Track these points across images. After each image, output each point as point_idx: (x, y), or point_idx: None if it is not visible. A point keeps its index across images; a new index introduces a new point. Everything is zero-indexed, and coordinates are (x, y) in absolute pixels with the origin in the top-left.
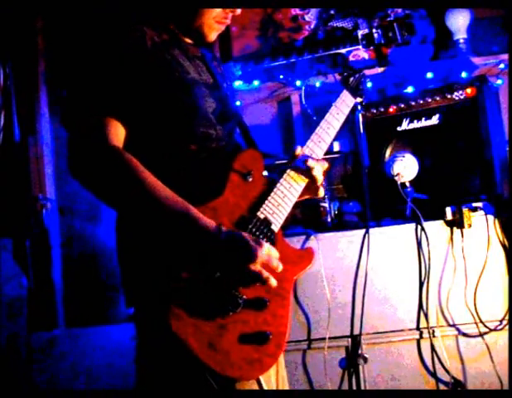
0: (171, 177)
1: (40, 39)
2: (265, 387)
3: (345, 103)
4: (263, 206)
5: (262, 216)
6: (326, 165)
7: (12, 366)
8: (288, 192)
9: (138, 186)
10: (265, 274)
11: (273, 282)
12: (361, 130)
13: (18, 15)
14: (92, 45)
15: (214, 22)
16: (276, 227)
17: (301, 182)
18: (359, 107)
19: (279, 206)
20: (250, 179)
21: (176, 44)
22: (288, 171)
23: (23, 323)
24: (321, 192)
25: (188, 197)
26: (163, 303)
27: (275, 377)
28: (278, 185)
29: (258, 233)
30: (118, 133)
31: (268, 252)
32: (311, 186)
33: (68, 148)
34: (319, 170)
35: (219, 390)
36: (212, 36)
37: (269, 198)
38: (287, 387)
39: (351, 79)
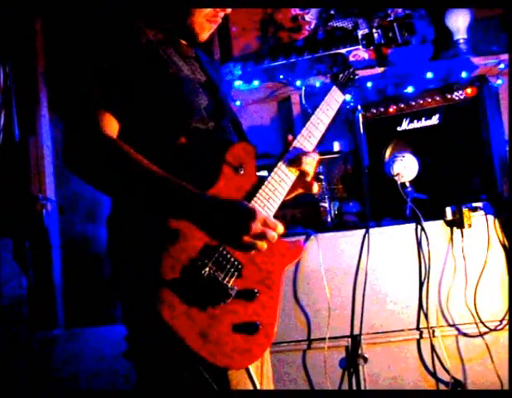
0: (162, 170)
1: (39, 39)
2: (254, 377)
3: (334, 98)
4: (254, 198)
5: None
6: (316, 157)
7: (12, 366)
8: (279, 186)
9: (131, 167)
10: (259, 244)
11: (265, 247)
12: (361, 130)
13: (18, 15)
14: (89, 40)
15: (205, 21)
16: None
17: (291, 176)
18: (350, 104)
19: (270, 198)
20: (242, 172)
21: (171, 43)
22: (279, 164)
23: (23, 323)
24: (315, 188)
25: None
26: (154, 293)
27: (257, 371)
28: (269, 178)
29: None
30: (111, 124)
31: (263, 222)
32: (303, 180)
33: (63, 138)
34: (309, 163)
35: (211, 380)
36: (204, 35)
37: (260, 191)
38: (271, 385)
39: (341, 75)
